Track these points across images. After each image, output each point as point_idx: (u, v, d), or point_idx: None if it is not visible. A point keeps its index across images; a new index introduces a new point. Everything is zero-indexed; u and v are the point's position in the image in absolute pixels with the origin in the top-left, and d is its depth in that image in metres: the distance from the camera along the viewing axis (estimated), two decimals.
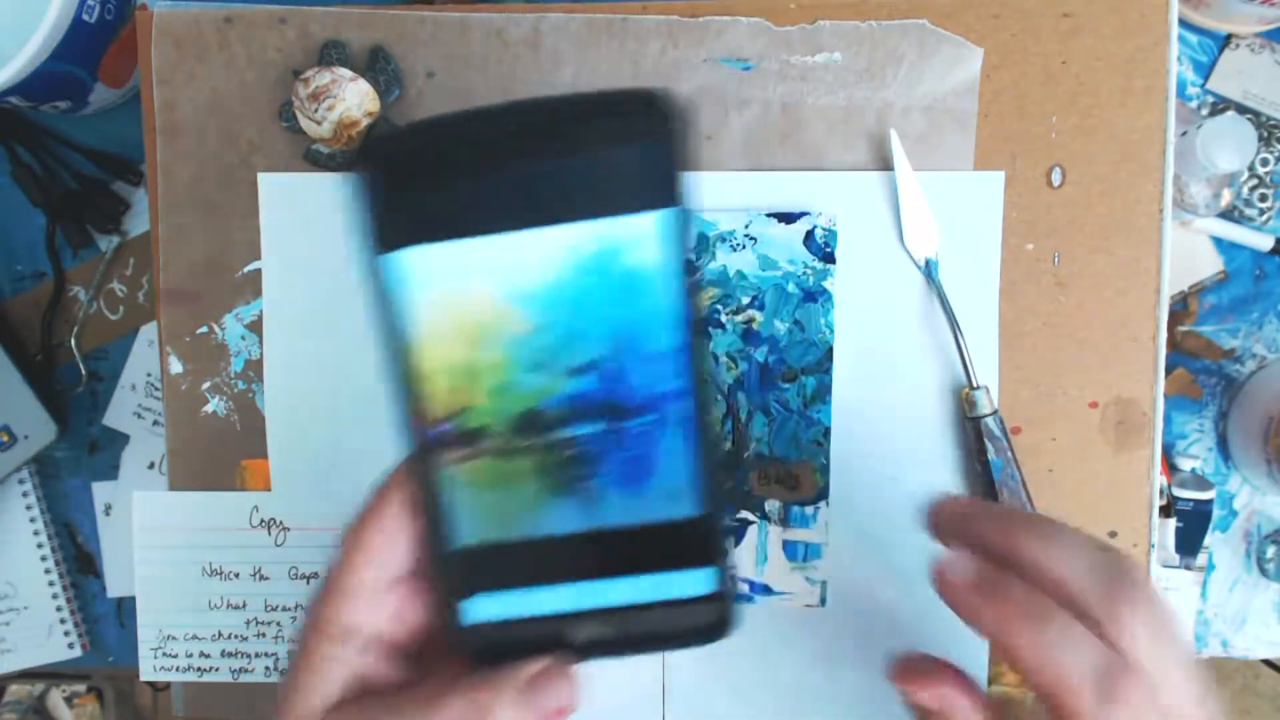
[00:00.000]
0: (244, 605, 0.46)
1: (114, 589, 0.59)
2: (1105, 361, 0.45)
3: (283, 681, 0.30)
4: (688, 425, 0.25)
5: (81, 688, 0.62)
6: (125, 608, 0.59)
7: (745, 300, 0.45)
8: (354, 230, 0.25)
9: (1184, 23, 0.55)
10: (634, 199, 0.24)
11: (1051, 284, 0.45)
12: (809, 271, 0.45)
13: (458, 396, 0.25)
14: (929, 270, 0.44)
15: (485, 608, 0.27)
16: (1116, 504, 0.45)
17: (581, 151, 0.24)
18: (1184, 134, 0.52)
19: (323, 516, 0.46)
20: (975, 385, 0.44)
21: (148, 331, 0.58)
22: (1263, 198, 0.57)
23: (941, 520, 0.35)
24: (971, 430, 0.44)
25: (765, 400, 0.45)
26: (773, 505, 0.46)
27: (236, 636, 0.47)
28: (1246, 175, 0.56)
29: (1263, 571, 0.58)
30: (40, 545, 0.59)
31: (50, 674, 0.60)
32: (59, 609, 0.59)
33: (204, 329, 0.46)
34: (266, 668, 0.47)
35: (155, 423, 0.58)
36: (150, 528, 0.46)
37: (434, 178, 0.24)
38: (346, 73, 0.43)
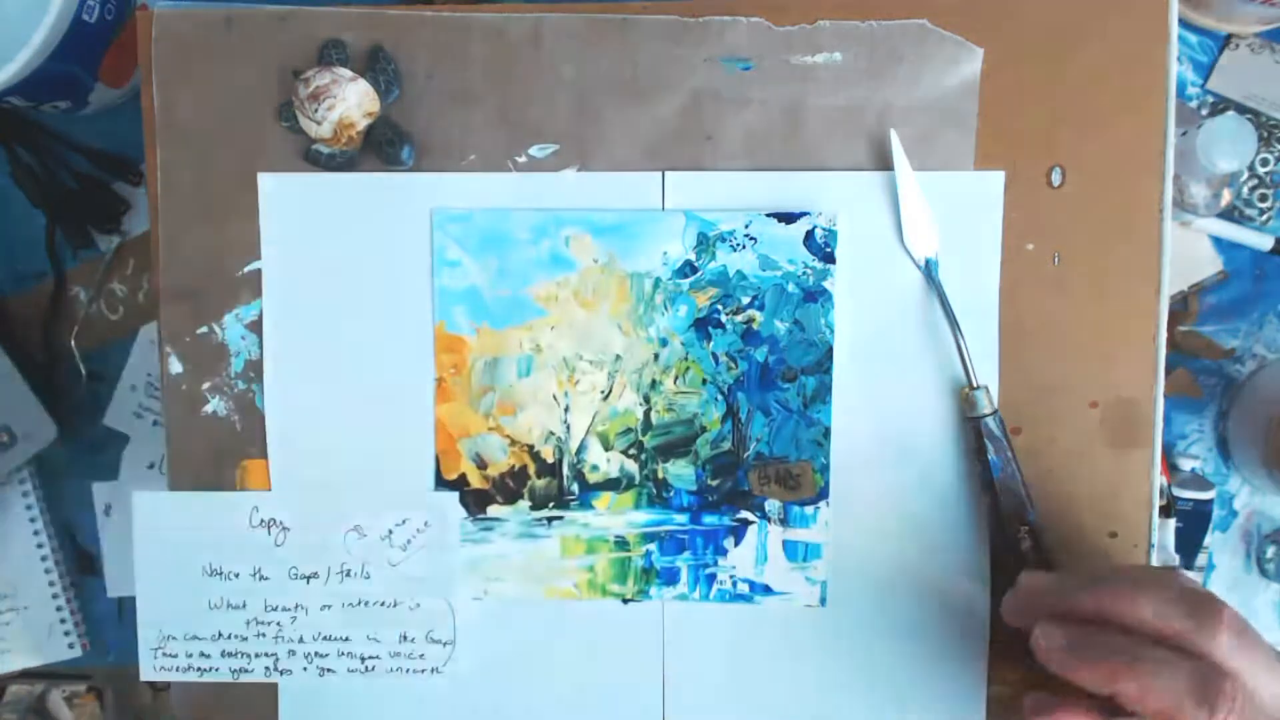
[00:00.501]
0: (244, 605, 0.46)
1: (114, 589, 0.59)
2: (1105, 361, 0.45)
3: None
4: None
5: (81, 688, 0.63)
6: (125, 608, 0.59)
7: (745, 300, 0.45)
8: None
9: (1184, 23, 0.55)
10: None
11: (1051, 284, 0.45)
12: (809, 271, 0.45)
13: None
14: (929, 270, 0.44)
15: None
16: (1116, 504, 0.45)
17: None
18: (1184, 134, 0.52)
19: (323, 517, 0.46)
20: (975, 385, 0.44)
21: (148, 331, 0.58)
22: (1263, 198, 0.57)
23: (1025, 604, 0.40)
24: (971, 430, 0.44)
25: (765, 400, 0.45)
26: (773, 505, 0.46)
27: (236, 636, 0.47)
28: (1246, 175, 0.56)
29: (1263, 571, 0.58)
30: (40, 545, 0.59)
31: (50, 674, 0.61)
32: (59, 609, 0.59)
33: (204, 329, 0.46)
34: (266, 668, 0.47)
35: (155, 423, 0.58)
36: (150, 528, 0.46)
37: None
38: (346, 73, 0.43)
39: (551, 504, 0.46)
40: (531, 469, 0.46)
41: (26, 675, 0.60)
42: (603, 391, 0.46)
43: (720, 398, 0.45)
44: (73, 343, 0.57)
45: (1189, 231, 0.57)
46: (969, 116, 0.44)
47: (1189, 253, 0.57)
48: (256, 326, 0.46)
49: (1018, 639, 0.45)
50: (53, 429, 0.56)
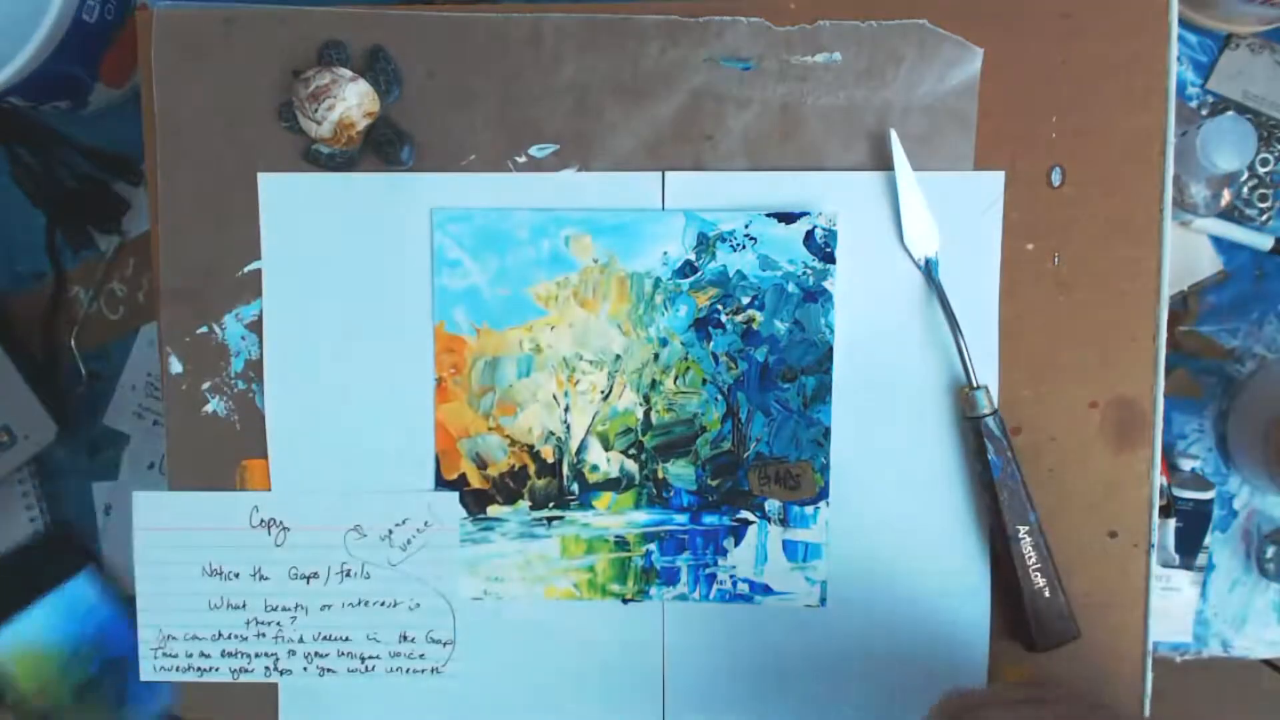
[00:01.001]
0: (244, 605, 0.46)
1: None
2: (1105, 361, 0.45)
3: None
4: None
5: None
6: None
7: (745, 300, 0.45)
8: None
9: (1184, 23, 0.55)
10: None
11: (1051, 284, 0.45)
12: (809, 271, 0.45)
13: None
14: (929, 270, 0.44)
15: None
16: (1116, 504, 0.45)
17: None
18: (1184, 134, 0.52)
19: (323, 516, 0.46)
20: (975, 385, 0.44)
21: (148, 331, 0.58)
22: (1263, 198, 0.57)
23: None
24: (971, 430, 0.44)
25: (765, 400, 0.45)
26: (773, 505, 0.46)
27: (236, 636, 0.47)
28: (1246, 175, 0.56)
29: (1263, 571, 0.58)
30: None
31: None
32: None
33: (204, 329, 0.46)
34: (266, 668, 0.47)
35: (155, 423, 0.58)
36: (150, 528, 0.46)
37: None
38: (346, 73, 0.43)
39: (551, 504, 0.46)
40: (531, 469, 0.46)
41: None
42: (603, 391, 0.46)
43: (720, 398, 0.45)
44: (73, 343, 0.57)
45: (1189, 231, 0.57)
46: (969, 116, 0.44)
47: (1189, 253, 0.57)
48: (256, 326, 0.46)
49: (1017, 639, 0.45)
50: (53, 429, 0.56)
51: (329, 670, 0.47)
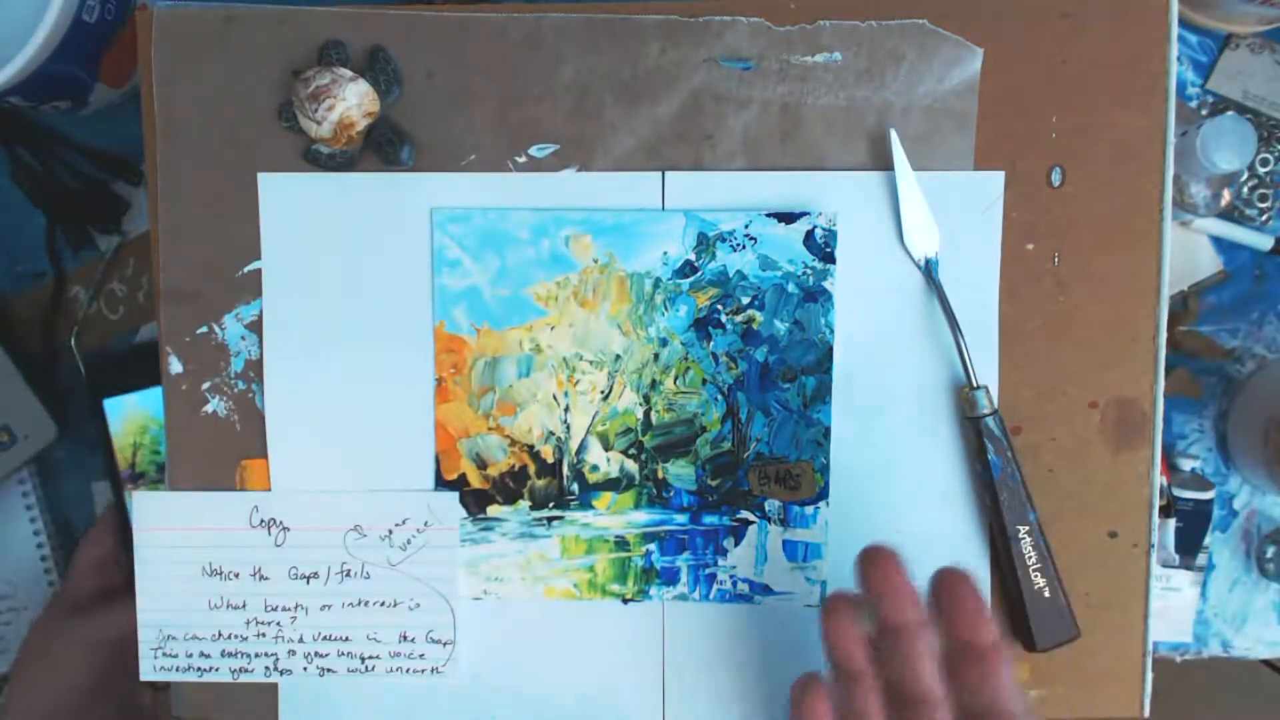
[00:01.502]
0: (244, 605, 0.46)
1: None
2: (1105, 361, 0.45)
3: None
4: None
5: None
6: None
7: (745, 300, 0.45)
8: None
9: (1184, 23, 0.55)
10: None
11: (1051, 284, 0.45)
12: (809, 271, 0.45)
13: None
14: (929, 270, 0.44)
15: None
16: (1116, 504, 0.45)
17: None
18: (1184, 134, 0.52)
19: (323, 516, 0.46)
20: (975, 385, 0.44)
21: (148, 331, 0.58)
22: (1263, 198, 0.57)
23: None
24: (971, 430, 0.44)
25: (765, 400, 0.45)
26: (773, 505, 0.46)
27: (236, 636, 0.47)
28: (1246, 175, 0.56)
29: (1263, 571, 0.58)
30: (40, 545, 0.59)
31: None
32: None
33: (204, 329, 0.46)
34: (266, 668, 0.47)
35: None
36: (150, 528, 0.46)
37: None
38: (346, 73, 0.43)
39: (551, 504, 0.46)
40: (531, 469, 0.46)
41: None
42: (603, 391, 0.46)
43: (720, 398, 0.45)
44: (73, 343, 0.57)
45: (1189, 231, 0.57)
46: (969, 116, 0.44)
47: (1189, 253, 0.57)
48: (256, 326, 0.46)
49: (1017, 639, 0.45)
50: (53, 429, 0.56)
51: (329, 670, 0.47)
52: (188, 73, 0.45)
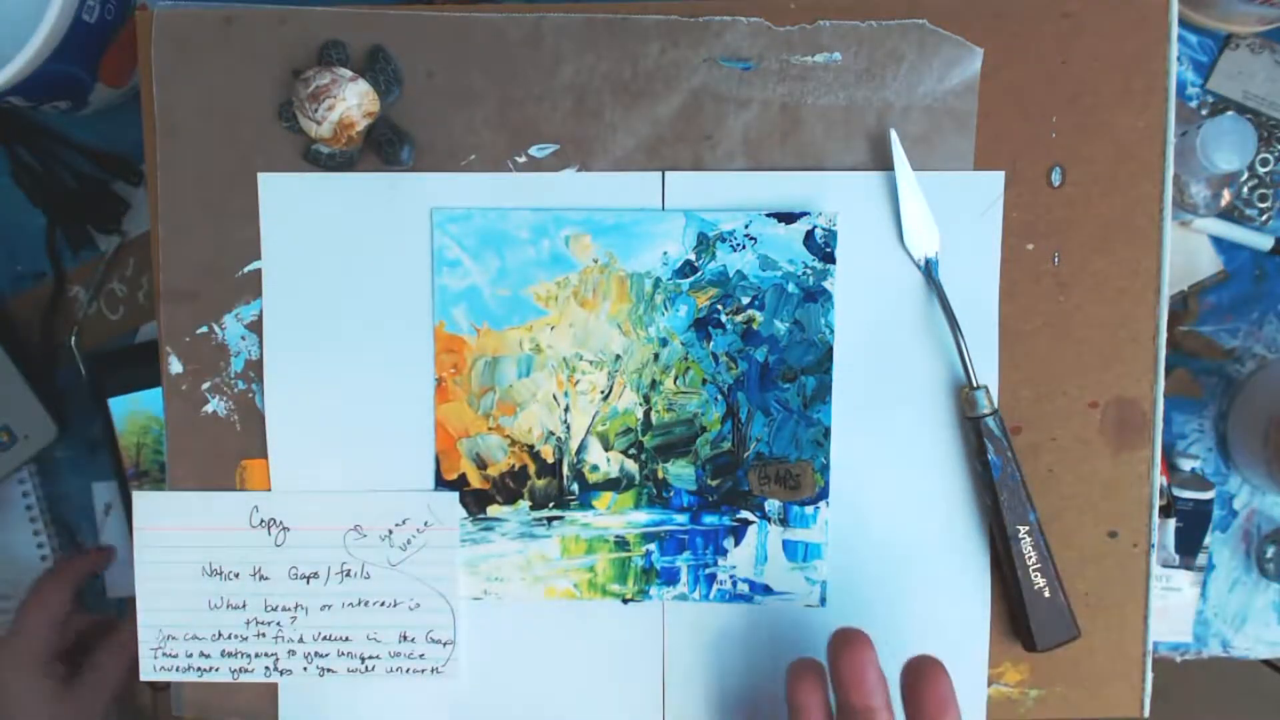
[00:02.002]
0: (244, 605, 0.46)
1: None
2: (1105, 361, 0.45)
3: None
4: None
5: None
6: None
7: (745, 300, 0.45)
8: None
9: (1184, 23, 0.55)
10: None
11: (1051, 284, 0.45)
12: (809, 271, 0.45)
13: None
14: (929, 270, 0.44)
15: None
16: (1116, 504, 0.45)
17: None
18: (1184, 134, 0.52)
19: (323, 516, 0.46)
20: (975, 385, 0.44)
21: (148, 331, 0.58)
22: (1263, 198, 0.57)
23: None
24: (971, 430, 0.44)
25: (765, 400, 0.45)
26: (773, 505, 0.46)
27: (236, 636, 0.47)
28: (1246, 175, 0.56)
29: (1263, 571, 0.58)
30: (40, 545, 0.59)
31: None
32: None
33: (204, 329, 0.46)
34: (266, 668, 0.47)
35: None
36: (150, 528, 0.46)
37: None
38: (346, 73, 0.43)
39: (551, 504, 0.46)
40: (531, 469, 0.46)
41: None
42: (603, 391, 0.46)
43: (720, 398, 0.45)
44: (73, 343, 0.57)
45: (1189, 231, 0.57)
46: (969, 116, 0.44)
47: (1189, 253, 0.57)
48: (256, 326, 0.46)
49: (1017, 639, 0.45)
50: (53, 429, 0.56)
51: (329, 670, 0.47)
52: (187, 73, 0.45)
